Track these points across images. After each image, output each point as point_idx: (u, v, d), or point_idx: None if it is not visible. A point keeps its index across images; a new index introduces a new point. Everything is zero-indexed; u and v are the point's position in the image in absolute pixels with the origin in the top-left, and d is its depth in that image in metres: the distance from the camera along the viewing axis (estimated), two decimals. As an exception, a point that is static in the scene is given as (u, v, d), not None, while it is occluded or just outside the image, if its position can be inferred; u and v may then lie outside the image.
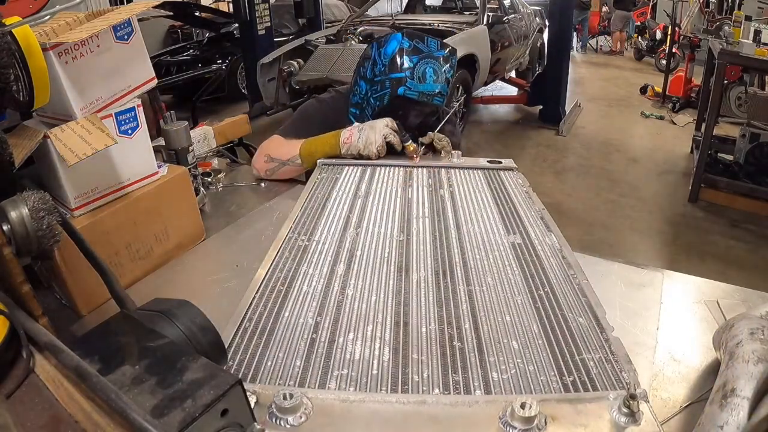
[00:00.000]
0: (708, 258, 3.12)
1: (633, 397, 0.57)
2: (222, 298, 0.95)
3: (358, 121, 1.41)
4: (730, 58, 3.54)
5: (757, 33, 3.63)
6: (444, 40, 1.45)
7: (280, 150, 1.41)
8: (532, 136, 5.23)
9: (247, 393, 0.48)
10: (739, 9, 5.88)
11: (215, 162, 1.59)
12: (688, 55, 6.17)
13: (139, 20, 1.00)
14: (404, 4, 6.87)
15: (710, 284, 1.00)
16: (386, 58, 1.37)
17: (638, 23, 9.33)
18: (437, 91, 1.37)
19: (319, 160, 1.28)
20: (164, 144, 1.27)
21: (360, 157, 1.28)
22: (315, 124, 1.50)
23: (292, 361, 0.65)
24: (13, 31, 0.67)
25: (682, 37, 6.96)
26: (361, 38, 4.82)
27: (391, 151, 1.30)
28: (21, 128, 0.95)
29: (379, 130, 1.26)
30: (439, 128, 1.37)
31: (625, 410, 0.58)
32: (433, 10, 6.79)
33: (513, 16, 5.67)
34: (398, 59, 1.34)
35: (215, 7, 8.03)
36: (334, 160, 1.28)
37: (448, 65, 1.38)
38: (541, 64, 6.26)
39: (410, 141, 1.31)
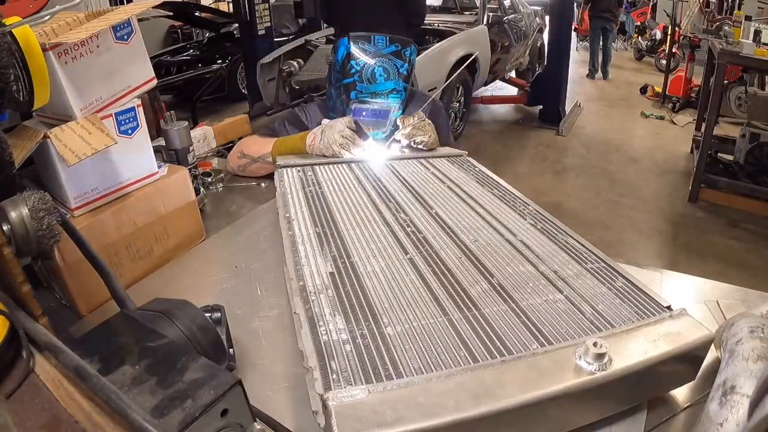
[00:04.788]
0: (708, 258, 3.12)
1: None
2: (222, 299, 0.95)
3: None
4: (730, 58, 3.54)
5: (757, 33, 3.62)
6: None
7: (253, 147, 1.44)
8: (532, 136, 5.22)
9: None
10: (739, 9, 5.88)
11: (215, 162, 1.59)
12: (688, 55, 6.17)
13: (139, 20, 1.00)
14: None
15: (710, 284, 1.01)
16: (338, 65, 1.41)
17: (638, 23, 9.33)
18: (391, 88, 1.38)
19: (277, 162, 1.25)
20: (164, 144, 1.28)
21: (325, 156, 1.30)
22: (295, 129, 1.52)
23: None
24: (13, 31, 0.67)
25: (682, 37, 6.96)
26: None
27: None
28: (21, 128, 0.95)
29: (337, 130, 1.28)
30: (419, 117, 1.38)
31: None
32: (433, 10, 6.78)
33: (513, 16, 5.66)
34: (347, 64, 1.37)
35: (215, 7, 8.02)
36: (292, 161, 1.25)
37: (401, 60, 1.39)
38: (541, 64, 6.26)
39: (370, 139, 1.33)
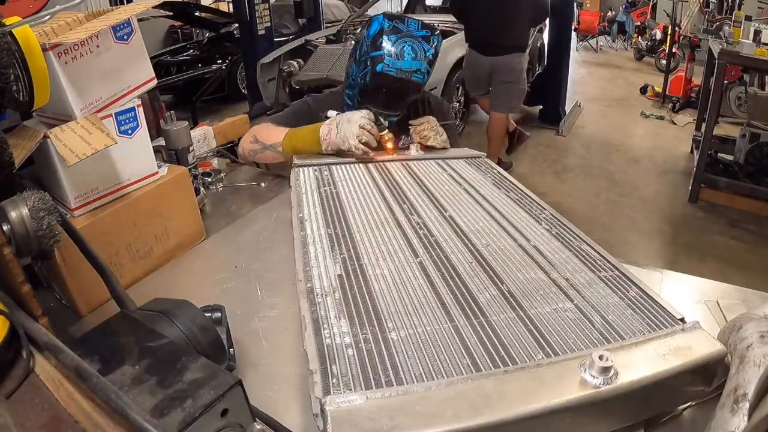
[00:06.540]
0: (708, 258, 3.12)
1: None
2: (222, 299, 0.95)
3: (350, 102, 1.44)
4: (730, 58, 3.53)
5: (757, 33, 3.62)
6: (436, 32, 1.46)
7: (267, 133, 1.41)
8: (532, 136, 5.21)
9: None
10: (739, 9, 5.87)
11: (215, 162, 1.59)
12: (688, 55, 6.16)
13: (139, 20, 1.00)
14: (404, 4, 6.86)
15: (710, 284, 1.01)
16: (369, 39, 1.40)
17: (638, 23, 9.32)
18: (416, 68, 1.38)
19: (294, 161, 1.23)
20: (164, 144, 1.27)
21: (341, 152, 1.28)
22: (305, 121, 1.50)
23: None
24: (13, 31, 0.67)
25: (682, 37, 6.96)
26: (361, 38, 4.81)
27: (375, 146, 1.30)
28: (21, 128, 0.95)
29: (355, 122, 1.26)
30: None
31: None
32: (434, 10, 6.78)
33: (513, 16, 5.65)
34: (378, 39, 1.37)
35: (215, 7, 8.02)
36: (309, 160, 1.23)
37: (429, 45, 1.40)
38: (541, 64, 6.26)
39: (386, 131, 1.33)
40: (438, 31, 1.44)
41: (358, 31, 1.59)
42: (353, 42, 1.58)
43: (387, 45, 1.36)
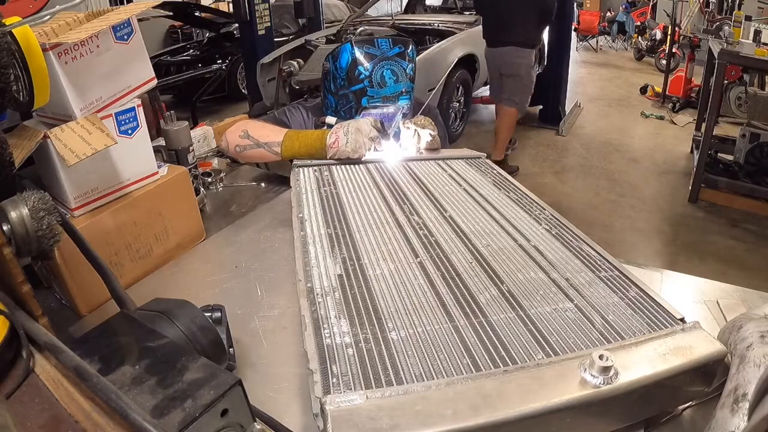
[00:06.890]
0: (708, 258, 3.12)
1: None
2: (222, 299, 0.95)
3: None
4: (730, 58, 3.53)
5: (757, 33, 3.62)
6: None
7: (261, 131, 1.32)
8: (532, 136, 5.22)
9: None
10: (739, 9, 5.87)
11: (215, 162, 1.59)
12: (688, 55, 6.16)
13: (139, 20, 1.00)
14: (404, 4, 6.87)
15: (710, 284, 1.01)
16: (342, 72, 1.37)
17: (638, 23, 9.32)
18: (401, 90, 1.37)
19: (294, 161, 1.22)
20: (164, 144, 1.28)
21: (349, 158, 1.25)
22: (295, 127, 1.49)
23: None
24: (13, 31, 0.67)
25: (682, 37, 6.96)
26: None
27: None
28: (21, 128, 0.95)
29: (365, 133, 1.23)
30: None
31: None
32: (433, 10, 6.78)
33: (513, 16, 5.65)
34: (354, 70, 1.35)
35: (215, 7, 8.02)
36: (309, 161, 1.22)
37: (406, 61, 1.37)
38: (541, 64, 6.26)
39: (390, 138, 1.32)
40: (411, 43, 1.41)
41: (324, 60, 1.57)
42: (323, 73, 1.53)
43: (365, 76, 1.33)
